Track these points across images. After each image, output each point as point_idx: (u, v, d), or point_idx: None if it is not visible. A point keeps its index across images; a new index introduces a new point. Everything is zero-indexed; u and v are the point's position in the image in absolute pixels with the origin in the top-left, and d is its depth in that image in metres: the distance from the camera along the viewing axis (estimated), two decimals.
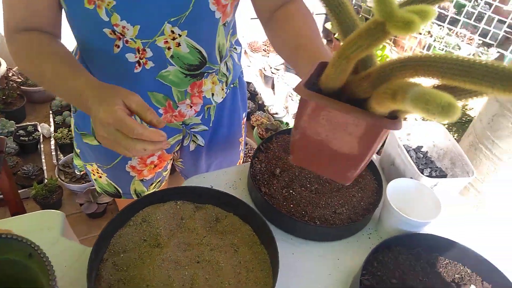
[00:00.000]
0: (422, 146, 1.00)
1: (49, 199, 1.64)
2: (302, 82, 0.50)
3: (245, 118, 1.10)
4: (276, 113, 2.30)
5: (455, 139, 2.01)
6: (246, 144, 2.06)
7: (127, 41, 0.70)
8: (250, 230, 0.76)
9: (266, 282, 0.67)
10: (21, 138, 1.88)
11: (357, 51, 0.43)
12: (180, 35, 0.71)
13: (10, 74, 2.11)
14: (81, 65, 0.69)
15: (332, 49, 2.97)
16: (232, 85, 0.95)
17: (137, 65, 0.73)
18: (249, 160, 0.93)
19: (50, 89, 0.69)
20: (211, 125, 0.95)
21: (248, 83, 2.55)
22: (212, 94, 0.87)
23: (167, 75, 0.76)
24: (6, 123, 1.91)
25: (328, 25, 2.95)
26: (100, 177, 0.99)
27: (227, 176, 0.92)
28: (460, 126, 1.96)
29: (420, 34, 2.76)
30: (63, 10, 0.71)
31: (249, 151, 2.00)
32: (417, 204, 0.82)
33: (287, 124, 2.10)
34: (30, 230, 0.74)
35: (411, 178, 0.86)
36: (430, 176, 0.92)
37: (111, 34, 0.68)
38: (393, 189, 0.81)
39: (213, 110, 0.93)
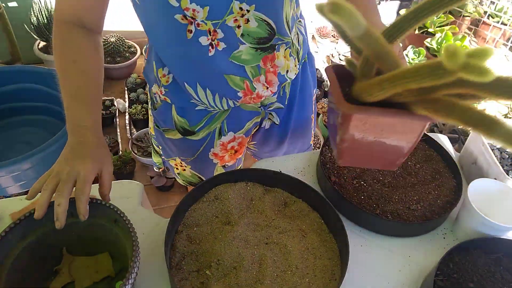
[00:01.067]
0: None
1: (123, 170, 1.75)
2: (341, 98, 0.51)
3: (315, 94, 1.09)
4: None
5: None
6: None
7: (198, 24, 0.70)
8: (319, 217, 0.75)
9: (334, 271, 0.67)
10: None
11: (411, 83, 0.41)
12: (248, 11, 0.71)
13: None
14: (100, 99, 0.74)
15: (407, 37, 2.82)
16: (303, 60, 0.94)
17: (210, 48, 0.73)
18: (316, 148, 0.91)
19: (62, 93, 0.71)
20: (286, 103, 0.95)
21: (316, 69, 2.50)
22: (287, 71, 0.86)
23: (239, 55, 0.76)
24: None
25: (403, 12, 2.79)
26: (184, 169, 1.01)
27: (296, 162, 0.92)
28: None
29: (505, 25, 2.52)
30: (132, 7, 0.73)
31: (314, 139, 1.98)
32: (500, 207, 0.76)
33: None
34: (112, 197, 0.80)
35: (495, 179, 0.80)
36: None
37: (182, 19, 0.69)
38: (475, 189, 0.76)
39: (288, 87, 0.92)
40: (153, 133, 1.00)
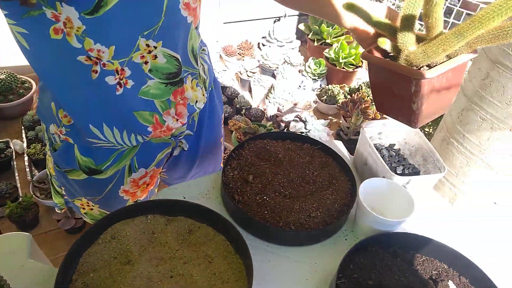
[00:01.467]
0: (394, 144, 1.01)
1: (24, 217, 1.59)
2: (410, 69, 0.67)
3: (223, 118, 1.11)
4: (254, 117, 2.30)
5: (430, 133, 2.04)
6: (225, 148, 2.04)
7: (104, 64, 0.67)
8: (224, 240, 0.75)
9: None
10: None
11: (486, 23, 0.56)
12: (155, 47, 0.70)
13: None
14: None
15: (307, 49, 2.99)
16: (210, 88, 0.95)
17: (118, 86, 0.70)
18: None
19: None
20: (195, 129, 0.95)
21: (226, 87, 2.54)
22: (196, 102, 0.86)
23: (148, 90, 0.74)
24: None
25: (302, 26, 2.96)
26: (92, 209, 0.95)
27: (200, 186, 0.91)
28: (433, 122, 2.00)
29: None
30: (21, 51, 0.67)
31: None
32: (391, 203, 0.82)
33: (264, 126, 2.09)
34: None
35: (383, 177, 0.86)
36: (402, 174, 0.92)
37: (86, 60, 0.65)
38: (366, 189, 0.81)
39: (196, 115, 0.93)
40: (54, 174, 0.92)
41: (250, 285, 0.64)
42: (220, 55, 2.84)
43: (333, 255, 0.78)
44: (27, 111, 2.10)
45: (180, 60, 0.76)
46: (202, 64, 0.88)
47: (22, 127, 2.04)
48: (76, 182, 0.87)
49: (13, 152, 1.89)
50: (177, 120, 0.83)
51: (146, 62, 0.71)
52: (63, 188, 0.94)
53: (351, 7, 0.69)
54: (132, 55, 0.68)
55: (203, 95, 0.88)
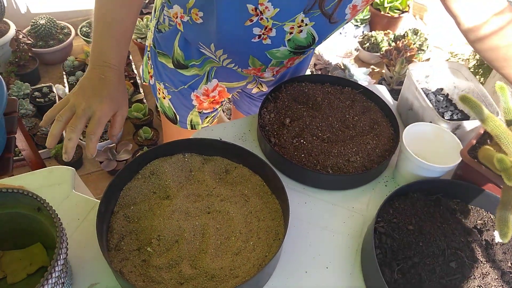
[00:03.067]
0: (442, 89, 0.94)
1: None
2: None
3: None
4: None
5: (481, 82, 1.90)
6: None
7: (261, 19, 0.71)
8: (260, 180, 0.74)
9: (277, 231, 0.66)
10: (37, 99, 1.89)
11: None
12: (306, 25, 0.73)
13: (20, 36, 2.09)
14: (131, 37, 0.72)
15: None
16: None
17: (257, 37, 0.75)
18: None
19: (94, 19, 0.69)
20: (276, 75, 0.97)
21: None
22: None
23: (275, 53, 0.80)
24: (21, 85, 1.92)
25: None
26: (164, 98, 1.00)
27: (236, 128, 0.90)
28: (486, 69, 1.85)
29: None
30: None
31: None
32: (437, 149, 0.78)
33: None
34: (42, 185, 0.75)
35: (430, 122, 0.81)
36: (451, 119, 0.87)
37: (252, 10, 0.69)
38: (410, 134, 0.77)
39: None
40: (149, 49, 0.97)
41: (287, 224, 0.64)
42: None
43: (371, 201, 0.76)
44: (68, 57, 2.14)
45: (316, 40, 0.79)
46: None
47: (64, 73, 2.08)
48: (163, 66, 0.93)
49: (56, 96, 1.95)
50: (274, 74, 0.92)
51: (291, 33, 0.75)
52: (152, 66, 0.98)
53: (464, 99, 0.64)
54: (286, 23, 0.72)
55: (301, 59, 0.92)
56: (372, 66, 2.43)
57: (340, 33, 2.45)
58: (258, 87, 1.04)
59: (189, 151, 0.77)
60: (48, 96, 1.93)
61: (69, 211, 0.71)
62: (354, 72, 1.94)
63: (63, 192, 0.74)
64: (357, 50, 2.36)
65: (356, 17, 2.48)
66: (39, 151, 1.64)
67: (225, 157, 0.78)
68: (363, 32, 2.53)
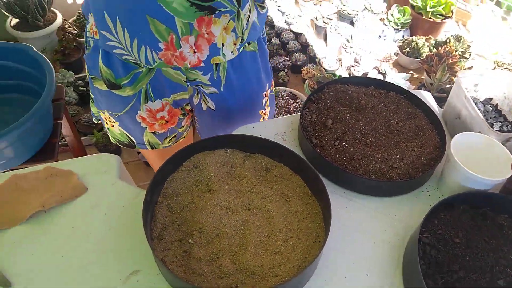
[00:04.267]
0: (491, 98, 0.91)
1: (108, 146, 1.72)
2: None
3: (269, 90, 0.99)
4: (329, 66, 2.21)
5: None
6: (296, 97, 2.01)
7: None
8: (301, 181, 0.74)
9: (317, 233, 0.66)
10: (80, 88, 1.95)
11: None
12: None
13: (66, 26, 2.17)
14: None
15: None
16: (247, 46, 0.85)
17: None
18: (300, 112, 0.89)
19: None
20: (221, 89, 0.86)
21: (299, 34, 2.44)
22: (222, 45, 0.78)
23: (170, 1, 0.69)
24: (66, 73, 1.99)
25: None
26: (113, 126, 0.96)
27: (277, 127, 0.90)
28: None
29: None
30: None
31: (299, 105, 1.96)
32: (485, 161, 0.75)
33: (340, 77, 2.01)
34: (90, 172, 0.77)
35: (479, 132, 0.79)
36: (501, 130, 0.84)
37: None
38: (459, 143, 0.75)
39: (222, 71, 0.84)
40: (88, 80, 0.94)
41: (328, 227, 0.63)
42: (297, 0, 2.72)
43: (414, 210, 0.75)
44: None
45: None
46: (249, 11, 0.79)
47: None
48: (99, 91, 0.88)
49: None
50: (194, 52, 0.76)
51: None
52: (93, 96, 0.95)
53: None
54: None
55: (234, 44, 0.80)
56: (411, 72, 2.37)
57: (380, 36, 2.41)
58: (204, 102, 0.90)
59: (231, 147, 0.78)
60: None
61: (114, 198, 0.74)
62: (393, 77, 1.90)
63: (109, 180, 0.76)
64: (396, 54, 2.31)
65: (396, 21, 2.43)
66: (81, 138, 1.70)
67: (266, 155, 0.78)
68: (403, 36, 2.47)
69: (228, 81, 0.86)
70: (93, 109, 1.00)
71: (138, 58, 0.77)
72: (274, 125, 0.91)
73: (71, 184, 0.74)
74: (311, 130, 0.84)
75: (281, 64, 2.22)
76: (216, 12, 0.72)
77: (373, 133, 0.83)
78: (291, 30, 2.47)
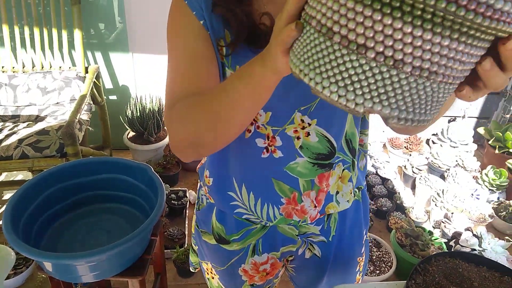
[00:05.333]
0: None
1: (186, 264, 1.74)
2: None
3: (365, 236, 0.99)
4: (417, 218, 2.13)
5: None
6: (380, 245, 1.92)
7: (258, 127, 0.71)
8: None
9: None
10: (172, 201, 2.09)
11: None
12: (309, 124, 0.71)
13: None
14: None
15: (484, 155, 2.72)
16: (356, 193, 0.87)
17: (265, 150, 0.73)
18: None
19: (213, 117, 0.60)
20: (330, 239, 0.87)
21: (386, 179, 2.45)
22: (337, 193, 0.81)
23: (295, 167, 0.75)
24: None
25: (481, 130, 2.73)
26: (213, 277, 0.98)
27: None
28: None
29: None
30: None
31: (384, 255, 1.86)
32: None
33: (429, 232, 1.91)
34: None
35: None
36: None
37: None
38: None
39: (333, 222, 0.86)
40: (193, 232, 0.99)
41: None
42: (384, 144, 2.80)
43: None
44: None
45: (333, 143, 0.74)
46: (360, 157, 0.83)
47: (198, 179, 2.30)
48: (207, 245, 0.91)
49: (188, 201, 2.14)
50: (315, 206, 0.79)
51: (298, 138, 0.72)
52: (196, 247, 0.99)
53: None
54: (286, 127, 0.70)
55: (351, 192, 0.82)
56: (507, 237, 2.19)
57: (472, 194, 2.32)
58: (309, 249, 0.89)
59: None
60: (182, 200, 2.12)
61: None
62: (490, 243, 1.77)
63: None
64: (491, 216, 2.18)
65: (492, 181, 2.35)
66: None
67: None
68: (498, 198, 2.36)
69: (338, 230, 0.87)
70: (193, 259, 1.05)
71: (260, 216, 0.81)
72: None
73: None
74: None
75: None
76: (333, 166, 0.77)
77: None
78: (378, 175, 2.50)
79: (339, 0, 0.35)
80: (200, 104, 0.61)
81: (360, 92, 0.36)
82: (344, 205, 0.84)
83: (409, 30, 0.33)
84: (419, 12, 0.33)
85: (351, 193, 0.83)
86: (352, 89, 0.36)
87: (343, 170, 0.80)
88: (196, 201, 0.96)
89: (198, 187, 0.95)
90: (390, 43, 0.34)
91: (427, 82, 0.36)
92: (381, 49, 0.34)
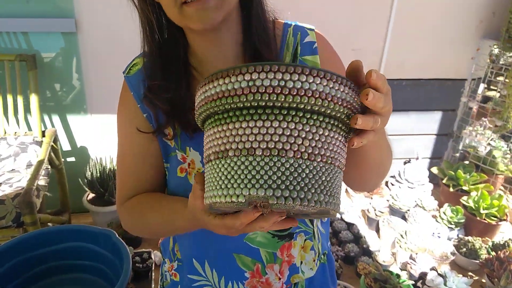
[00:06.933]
0: None
1: None
2: None
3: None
4: (383, 261, 2.16)
5: None
6: None
7: None
8: None
9: None
10: (136, 264, 2.00)
11: None
12: None
13: None
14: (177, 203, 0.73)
15: (440, 194, 2.85)
16: (321, 259, 0.88)
17: None
18: None
19: (157, 231, 0.79)
20: None
21: (351, 224, 2.50)
22: (301, 263, 0.81)
23: (254, 237, 0.75)
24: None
25: (435, 170, 2.89)
26: None
27: None
28: None
29: None
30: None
31: None
32: None
33: (397, 275, 1.94)
34: None
35: None
36: None
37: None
38: None
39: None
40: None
41: None
42: (347, 189, 2.87)
43: None
44: None
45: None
46: (318, 226, 0.84)
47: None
48: None
49: (153, 263, 2.05)
50: (280, 279, 0.79)
51: None
52: None
53: None
54: None
55: (314, 260, 0.83)
56: (470, 273, 2.26)
57: (433, 233, 2.40)
58: None
59: None
60: (146, 262, 2.04)
61: None
62: (454, 281, 1.82)
63: None
64: (453, 254, 2.25)
65: (450, 219, 2.45)
66: None
67: None
68: (457, 235, 2.45)
69: None
70: None
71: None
72: None
73: None
74: None
75: (334, 255, 2.21)
76: (294, 235, 0.78)
77: None
78: (343, 220, 2.54)
79: None
80: (143, 218, 0.76)
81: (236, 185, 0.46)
82: (309, 273, 0.84)
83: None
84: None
85: (314, 261, 0.84)
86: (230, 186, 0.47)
87: (305, 240, 0.81)
88: (160, 277, 0.94)
89: (161, 263, 0.94)
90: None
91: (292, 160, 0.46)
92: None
